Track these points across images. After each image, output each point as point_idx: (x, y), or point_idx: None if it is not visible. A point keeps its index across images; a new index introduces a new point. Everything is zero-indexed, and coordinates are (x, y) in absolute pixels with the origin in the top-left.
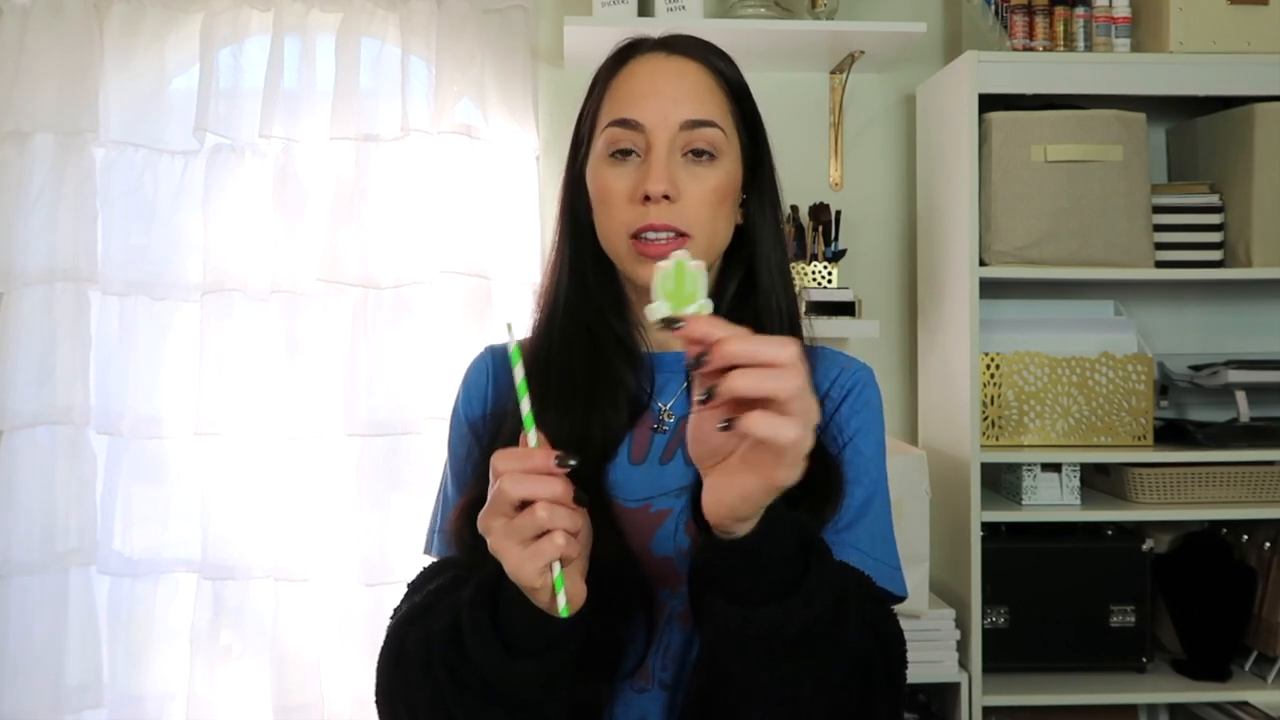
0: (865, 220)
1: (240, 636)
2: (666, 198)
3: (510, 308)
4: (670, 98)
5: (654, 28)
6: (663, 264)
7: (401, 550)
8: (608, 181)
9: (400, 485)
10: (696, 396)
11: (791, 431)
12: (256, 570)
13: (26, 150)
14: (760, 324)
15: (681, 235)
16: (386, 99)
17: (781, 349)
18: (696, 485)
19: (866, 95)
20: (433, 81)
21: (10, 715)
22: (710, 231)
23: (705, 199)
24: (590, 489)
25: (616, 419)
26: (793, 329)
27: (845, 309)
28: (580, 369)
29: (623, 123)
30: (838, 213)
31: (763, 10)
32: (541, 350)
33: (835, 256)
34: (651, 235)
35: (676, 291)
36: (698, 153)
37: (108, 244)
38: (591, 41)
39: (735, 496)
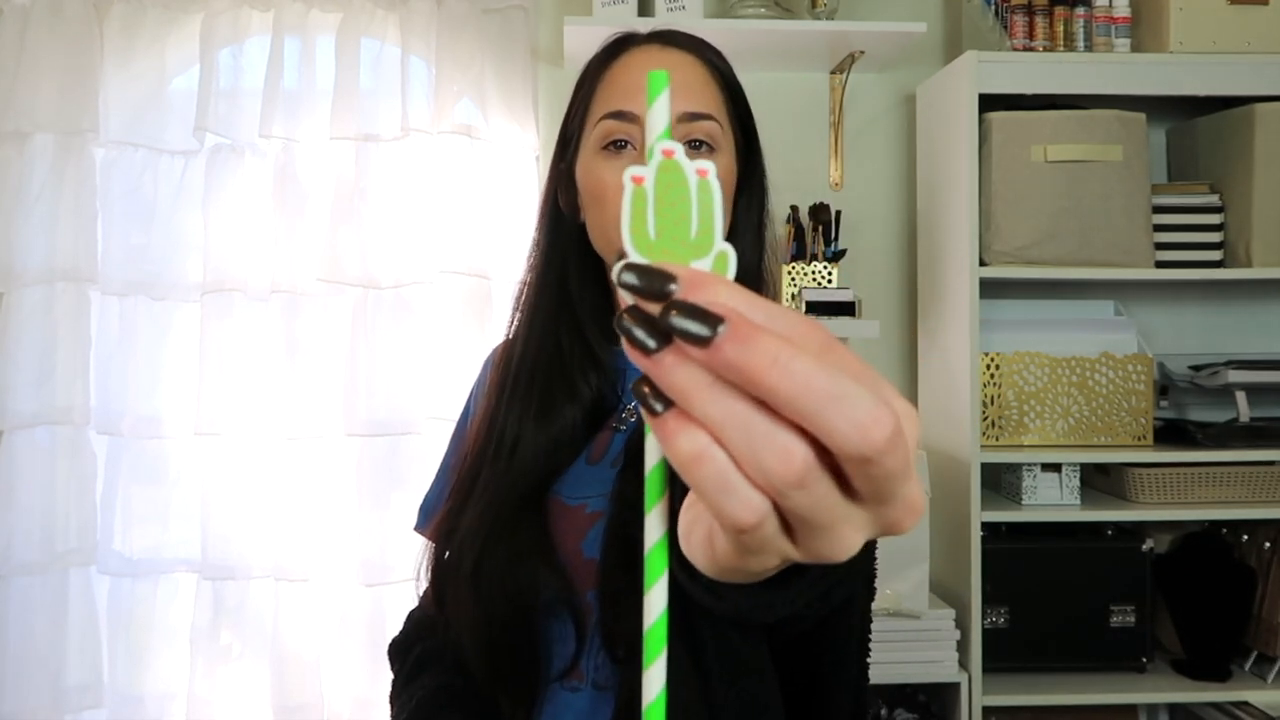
0: (865, 220)
1: (240, 636)
2: None
3: (510, 308)
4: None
5: (652, 27)
6: (636, 172)
7: (401, 550)
8: (602, 175)
9: (400, 485)
10: (650, 405)
11: (749, 515)
12: (256, 570)
13: (26, 150)
14: None
15: None
16: (386, 99)
17: (877, 410)
18: (621, 487)
19: (866, 95)
20: (433, 81)
21: (10, 715)
22: None
23: None
24: (536, 493)
25: (566, 434)
26: None
27: (845, 309)
28: (540, 383)
29: (618, 115)
30: (838, 213)
31: (763, 10)
32: (508, 356)
33: (835, 256)
34: None
35: (666, 229)
36: (695, 144)
37: (108, 244)
38: (591, 41)
39: (692, 553)
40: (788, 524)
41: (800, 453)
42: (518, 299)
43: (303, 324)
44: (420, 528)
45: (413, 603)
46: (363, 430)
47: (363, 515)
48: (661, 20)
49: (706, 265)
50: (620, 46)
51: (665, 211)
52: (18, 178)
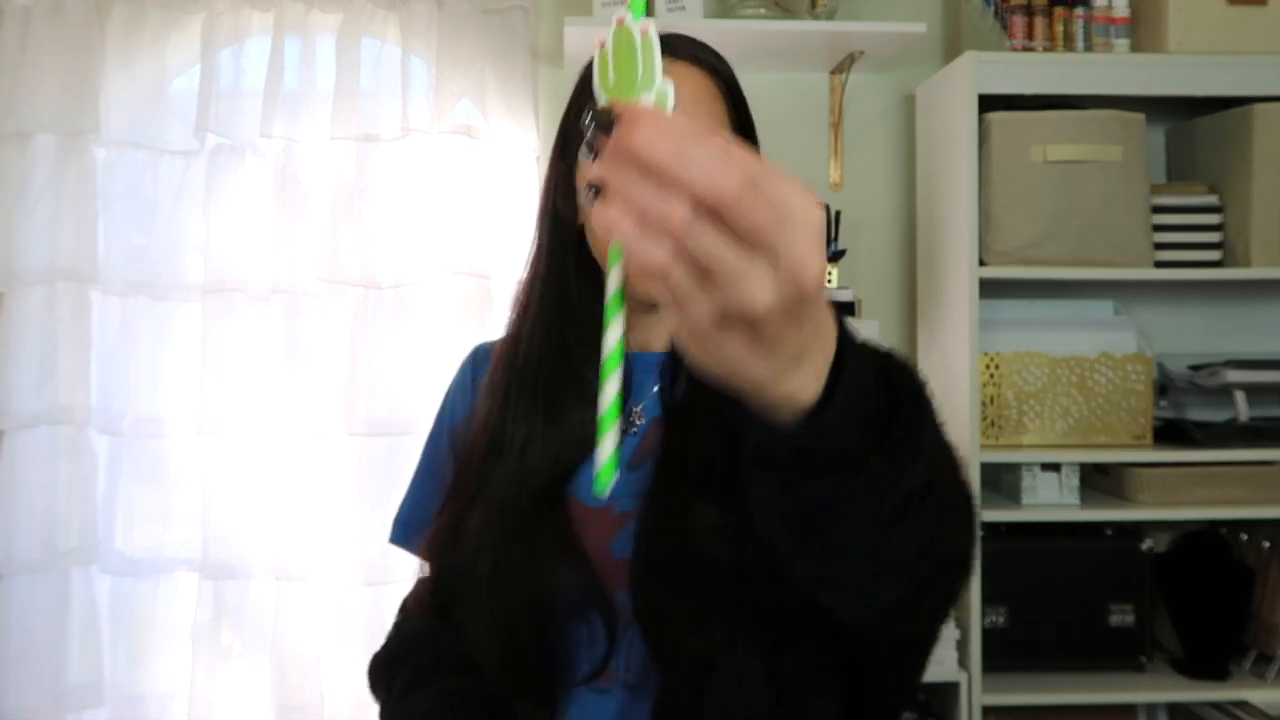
0: (865, 220)
1: (241, 636)
2: None
3: (510, 307)
4: (678, 104)
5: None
6: (601, 38)
7: (401, 550)
8: None
9: (400, 485)
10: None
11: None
12: (257, 570)
13: (28, 151)
14: None
15: None
16: (386, 99)
17: (726, 169)
18: (652, 487)
19: (866, 95)
20: (433, 82)
21: (12, 714)
22: None
23: None
24: (550, 493)
25: (574, 434)
26: None
27: (845, 309)
28: (547, 381)
29: None
30: (838, 213)
31: (763, 10)
32: (510, 355)
33: (835, 256)
34: None
35: (621, 77)
36: None
37: (109, 244)
38: (591, 41)
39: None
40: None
41: (681, 206)
42: (517, 299)
43: (303, 324)
44: (399, 540)
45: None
46: (363, 430)
47: (363, 515)
48: (661, 20)
49: (650, 97)
50: None
51: (621, 63)
52: (19, 178)
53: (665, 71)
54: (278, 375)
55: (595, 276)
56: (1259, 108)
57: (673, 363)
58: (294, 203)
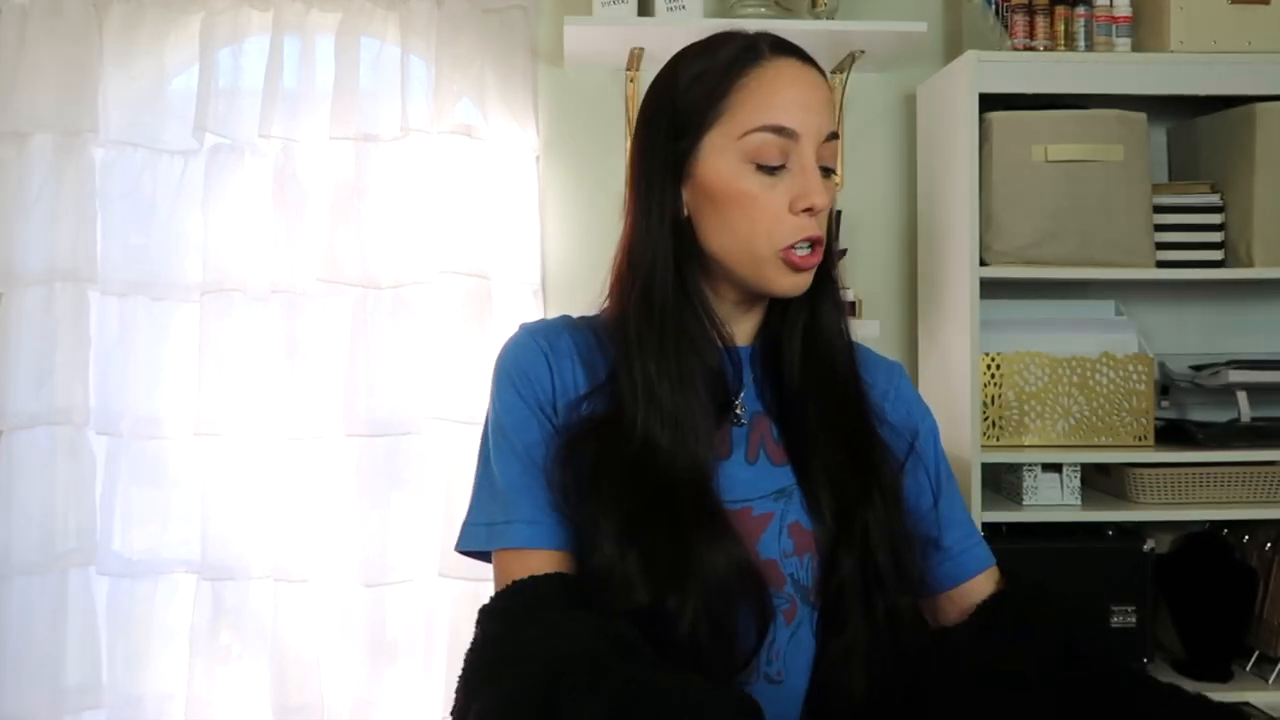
0: (865, 220)
1: (240, 637)
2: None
3: (510, 308)
4: (817, 109)
5: (655, 28)
6: None
7: (401, 550)
8: (751, 189)
9: (400, 485)
10: None
11: None
12: (256, 570)
13: (26, 150)
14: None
15: (818, 244)
16: (386, 99)
17: None
18: (799, 484)
19: (866, 95)
20: (432, 81)
21: (10, 716)
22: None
23: (829, 208)
24: (697, 487)
25: (709, 408)
26: (848, 336)
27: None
28: (673, 360)
29: (779, 130)
30: (838, 213)
31: (763, 10)
32: (634, 347)
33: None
34: (801, 246)
35: None
36: (826, 172)
37: (107, 244)
38: (591, 41)
39: None
40: None
41: None
42: (628, 288)
43: (303, 324)
44: (528, 543)
45: (413, 604)
46: (363, 430)
47: (363, 515)
48: (661, 20)
49: None
50: (757, 53)
51: None
52: (17, 178)
53: (805, 77)
54: (276, 376)
55: (702, 264)
56: (1261, 107)
57: (761, 354)
58: (293, 203)
